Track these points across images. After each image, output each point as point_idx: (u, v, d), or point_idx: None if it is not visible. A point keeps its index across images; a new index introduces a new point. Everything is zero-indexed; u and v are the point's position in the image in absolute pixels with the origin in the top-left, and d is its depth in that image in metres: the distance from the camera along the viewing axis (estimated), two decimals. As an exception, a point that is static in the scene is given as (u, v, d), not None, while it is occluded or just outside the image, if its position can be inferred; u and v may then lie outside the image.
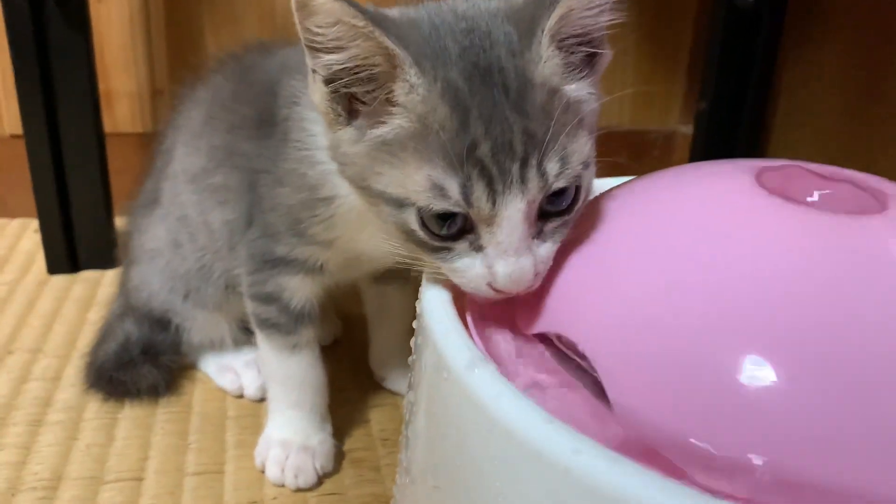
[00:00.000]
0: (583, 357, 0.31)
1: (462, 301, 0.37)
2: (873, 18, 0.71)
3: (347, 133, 0.33)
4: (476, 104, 0.31)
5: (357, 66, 0.31)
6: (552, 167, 0.31)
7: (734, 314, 0.30)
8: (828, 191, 0.36)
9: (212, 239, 0.50)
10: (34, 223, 0.79)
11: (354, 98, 0.33)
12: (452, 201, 0.31)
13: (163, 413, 0.55)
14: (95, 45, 0.73)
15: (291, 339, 0.48)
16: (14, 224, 0.82)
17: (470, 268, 0.33)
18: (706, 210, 0.34)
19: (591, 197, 0.36)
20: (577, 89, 0.33)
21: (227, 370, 0.57)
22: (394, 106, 0.31)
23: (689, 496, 0.24)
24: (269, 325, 0.47)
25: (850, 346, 0.29)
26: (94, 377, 0.56)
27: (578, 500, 0.26)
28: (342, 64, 0.31)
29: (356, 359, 0.61)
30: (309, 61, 0.32)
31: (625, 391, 0.30)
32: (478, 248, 0.33)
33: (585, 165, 0.33)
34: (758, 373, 0.28)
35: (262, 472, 0.49)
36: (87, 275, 0.73)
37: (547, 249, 0.33)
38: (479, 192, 0.31)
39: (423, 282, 0.37)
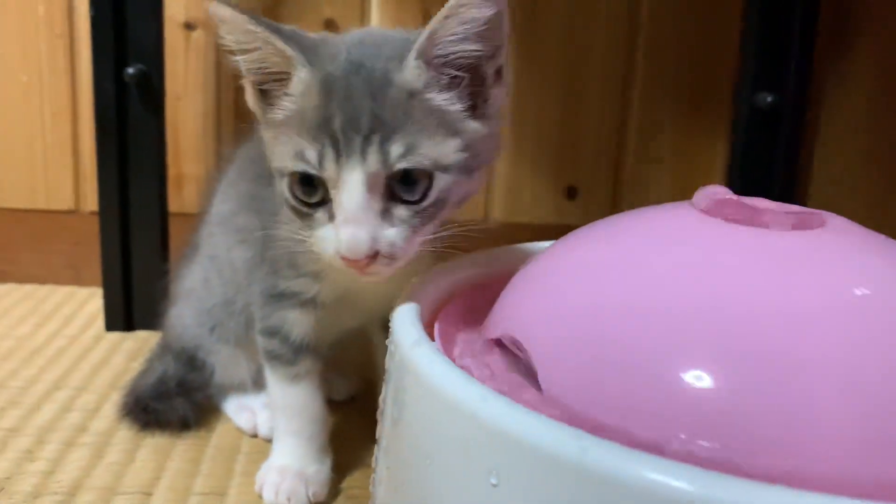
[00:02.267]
0: (518, 346, 0.34)
1: (435, 316, 0.41)
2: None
3: (263, 125, 0.41)
4: (340, 90, 0.38)
5: (261, 65, 0.39)
6: (395, 149, 0.37)
7: (650, 311, 0.32)
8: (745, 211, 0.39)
9: (235, 274, 0.56)
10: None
11: (269, 94, 0.41)
12: (310, 165, 0.38)
13: (182, 443, 0.59)
14: (172, 134, 0.84)
15: (292, 370, 0.51)
16: (84, 291, 0.91)
17: (325, 236, 0.39)
18: (645, 229, 0.38)
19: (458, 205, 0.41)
20: (446, 101, 0.38)
21: (245, 409, 0.61)
22: (288, 96, 0.39)
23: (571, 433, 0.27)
24: (273, 357, 0.52)
25: (757, 335, 0.31)
26: (130, 405, 0.60)
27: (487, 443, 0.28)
28: (252, 63, 0.39)
29: (370, 414, 0.63)
30: (242, 69, 0.40)
31: (554, 381, 0.33)
32: (332, 217, 0.39)
33: (443, 169, 0.38)
34: (667, 361, 0.31)
35: (260, 496, 0.52)
36: (140, 334, 0.80)
37: (394, 234, 0.38)
38: (328, 157, 0.37)
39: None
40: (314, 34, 0.42)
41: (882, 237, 0.37)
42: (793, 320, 0.31)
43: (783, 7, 0.81)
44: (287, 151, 0.39)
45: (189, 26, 0.89)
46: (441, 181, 0.38)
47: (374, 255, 0.38)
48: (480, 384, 0.30)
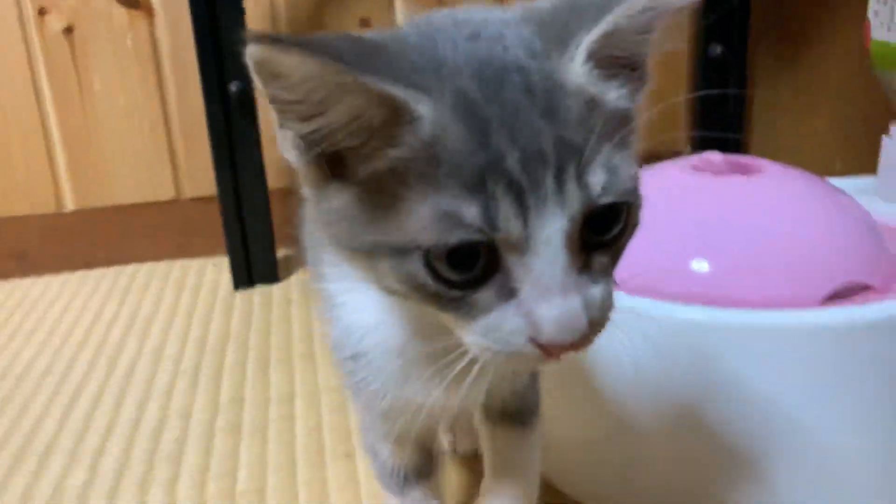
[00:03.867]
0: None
1: None
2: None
3: (333, 184, 0.27)
4: (496, 112, 0.25)
5: (347, 124, 0.26)
6: (596, 179, 0.26)
7: (668, 225, 0.58)
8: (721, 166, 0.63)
9: None
10: (212, 260, 1.12)
11: (342, 152, 0.27)
12: (472, 228, 0.25)
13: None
14: (266, 130, 1.05)
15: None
16: (197, 262, 1.14)
17: (502, 322, 0.27)
18: (662, 181, 0.63)
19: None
20: (621, 99, 0.28)
21: None
22: (394, 147, 0.26)
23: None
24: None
25: (731, 232, 0.56)
26: None
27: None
28: (328, 127, 0.26)
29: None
30: (277, 120, 0.27)
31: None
32: (509, 293, 0.27)
33: (635, 190, 0.28)
34: (683, 245, 0.56)
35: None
36: (260, 288, 1.04)
37: (599, 291, 0.27)
38: (507, 208, 0.25)
39: None
40: (373, 35, 0.28)
41: (800, 172, 0.62)
42: (737, 224, 0.57)
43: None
44: (415, 218, 0.26)
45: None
46: (636, 206, 0.29)
47: (588, 331, 0.27)
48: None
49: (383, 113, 0.25)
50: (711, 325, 0.50)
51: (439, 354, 0.29)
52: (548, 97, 0.26)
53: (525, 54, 0.27)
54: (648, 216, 0.59)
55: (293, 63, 0.24)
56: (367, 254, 0.27)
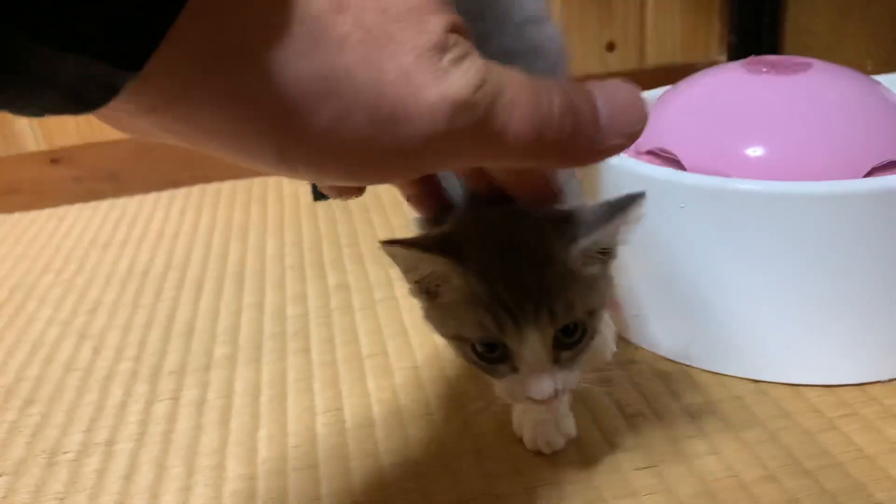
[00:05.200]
0: (668, 153, 0.69)
1: None
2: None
3: (433, 304, 0.44)
4: (502, 272, 0.40)
5: (425, 276, 0.42)
6: (559, 313, 0.40)
7: (722, 115, 0.67)
8: (772, 66, 0.72)
9: None
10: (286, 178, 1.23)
11: (431, 288, 0.43)
12: (491, 333, 0.41)
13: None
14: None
15: None
16: (273, 179, 1.25)
17: (511, 384, 0.43)
18: (719, 81, 0.72)
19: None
20: (591, 270, 0.42)
21: None
22: (451, 289, 0.42)
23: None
24: None
25: (775, 121, 0.66)
26: None
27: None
28: (417, 275, 0.42)
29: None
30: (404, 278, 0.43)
31: (691, 161, 0.68)
32: (514, 369, 0.43)
33: (591, 315, 0.43)
34: (733, 135, 0.66)
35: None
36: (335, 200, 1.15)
37: (565, 376, 0.43)
38: (506, 324, 0.40)
39: None
40: (447, 229, 0.42)
41: (843, 67, 0.71)
42: (786, 114, 0.66)
43: None
44: (465, 324, 0.42)
45: None
46: (589, 324, 0.43)
47: (556, 394, 0.43)
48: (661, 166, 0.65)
49: (441, 269, 0.41)
50: (768, 195, 0.60)
51: None
52: (541, 264, 0.41)
53: (532, 241, 0.41)
54: (708, 111, 0.69)
55: (399, 252, 0.40)
56: (448, 338, 0.45)
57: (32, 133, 1.21)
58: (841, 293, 0.60)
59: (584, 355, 0.45)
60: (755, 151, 0.66)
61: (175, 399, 0.69)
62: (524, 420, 0.58)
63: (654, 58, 1.34)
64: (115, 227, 1.13)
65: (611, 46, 1.32)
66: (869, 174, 0.63)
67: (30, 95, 0.20)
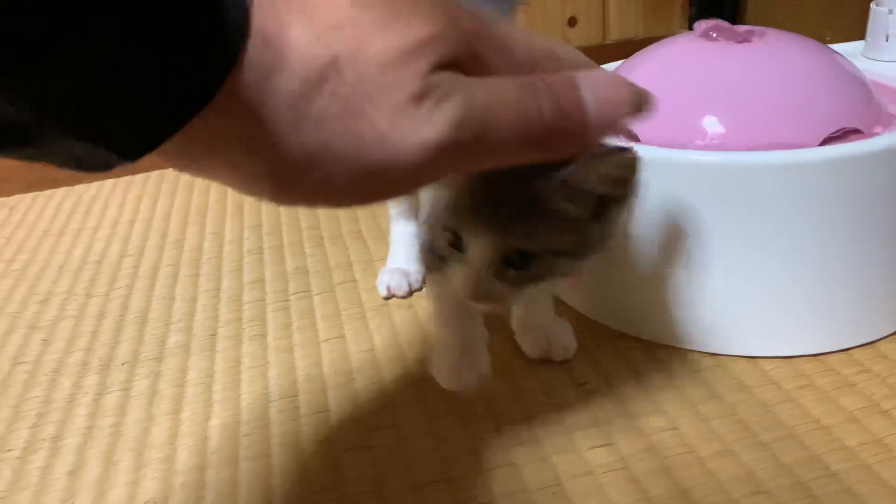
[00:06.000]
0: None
1: None
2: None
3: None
4: (487, 183, 0.41)
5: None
6: (516, 232, 0.41)
7: (677, 86, 0.66)
8: (728, 34, 0.71)
9: None
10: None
11: None
12: (455, 224, 0.42)
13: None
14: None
15: None
16: (233, 161, 1.22)
17: (458, 277, 0.44)
18: (675, 52, 0.71)
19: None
20: (568, 209, 0.41)
21: None
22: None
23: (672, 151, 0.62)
24: None
25: (735, 93, 0.65)
26: None
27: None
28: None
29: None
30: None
31: (647, 134, 0.67)
32: (460, 264, 0.44)
33: (553, 253, 0.42)
34: (688, 106, 0.65)
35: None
36: (298, 181, 1.13)
37: (501, 290, 0.43)
38: (469, 223, 0.42)
39: None
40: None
41: (798, 36, 0.70)
42: (742, 84, 0.65)
43: None
44: (443, 210, 0.44)
45: None
46: (547, 261, 0.43)
47: (483, 298, 0.43)
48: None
49: None
50: (722, 166, 0.59)
51: None
52: (517, 188, 0.41)
53: (519, 172, 0.40)
54: (663, 82, 0.67)
55: None
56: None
57: (-20, 120, 1.17)
58: (798, 263, 0.59)
59: (531, 288, 0.44)
60: (711, 122, 0.65)
61: (126, 390, 0.67)
62: (524, 331, 0.65)
63: (616, 33, 1.33)
64: (70, 216, 1.10)
65: (572, 21, 1.31)
66: (824, 143, 0.63)
67: (43, 157, 0.24)
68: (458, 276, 0.44)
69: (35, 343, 0.77)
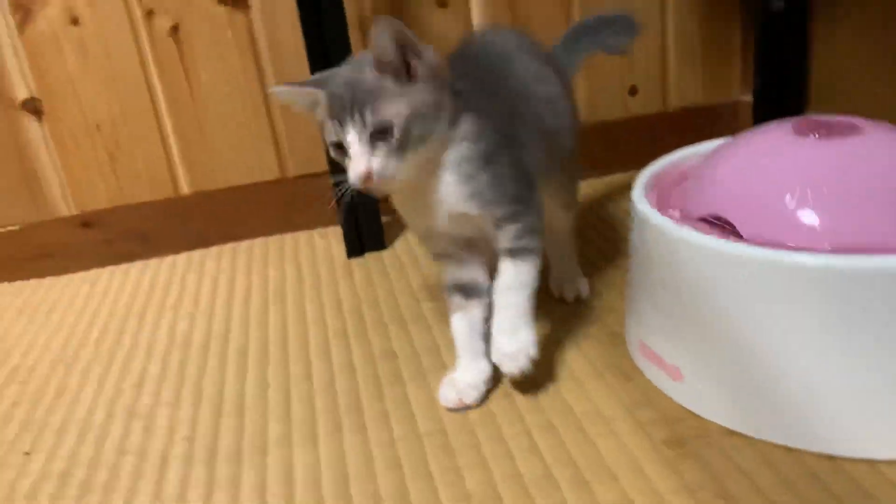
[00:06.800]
0: (723, 221, 0.69)
1: (651, 196, 0.76)
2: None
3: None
4: (337, 95, 0.64)
5: (309, 103, 0.68)
6: (367, 116, 0.62)
7: (777, 182, 0.67)
8: (822, 128, 0.72)
9: None
10: (316, 232, 1.23)
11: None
12: (334, 135, 0.65)
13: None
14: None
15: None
16: (304, 234, 1.25)
17: (349, 171, 0.64)
18: (769, 143, 0.72)
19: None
20: (391, 83, 0.64)
21: None
22: (319, 108, 0.67)
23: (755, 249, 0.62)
24: None
25: (832, 185, 0.66)
26: None
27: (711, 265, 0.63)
28: (303, 101, 0.68)
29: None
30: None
31: (748, 229, 0.67)
32: (350, 158, 0.64)
33: (399, 116, 0.62)
34: (791, 203, 0.66)
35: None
36: (371, 254, 1.15)
37: (377, 160, 0.63)
38: (338, 128, 0.64)
39: (633, 188, 0.76)
40: (330, 70, 0.69)
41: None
42: (842, 181, 0.66)
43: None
44: (327, 133, 0.66)
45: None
46: (398, 123, 0.63)
47: (369, 176, 0.63)
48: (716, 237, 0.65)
49: (314, 95, 0.67)
50: (833, 269, 0.60)
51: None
52: (356, 85, 0.64)
53: (356, 72, 0.66)
54: (760, 176, 0.68)
55: (283, 90, 0.69)
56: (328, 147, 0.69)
57: (63, 198, 1.21)
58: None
59: (402, 151, 0.63)
60: (812, 219, 0.65)
61: (236, 485, 0.68)
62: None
63: (676, 101, 1.34)
64: (150, 292, 1.13)
65: (633, 90, 1.32)
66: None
67: None
68: (350, 168, 0.64)
69: (137, 431, 0.79)
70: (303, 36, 1.03)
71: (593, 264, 1.01)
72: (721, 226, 0.69)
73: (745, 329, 0.63)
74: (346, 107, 0.63)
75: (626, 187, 1.27)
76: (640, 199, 0.74)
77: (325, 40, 1.03)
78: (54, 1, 1.10)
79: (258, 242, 1.25)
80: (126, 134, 1.19)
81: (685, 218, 0.73)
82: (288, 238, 1.25)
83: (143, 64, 1.16)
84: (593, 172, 1.32)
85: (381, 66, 0.64)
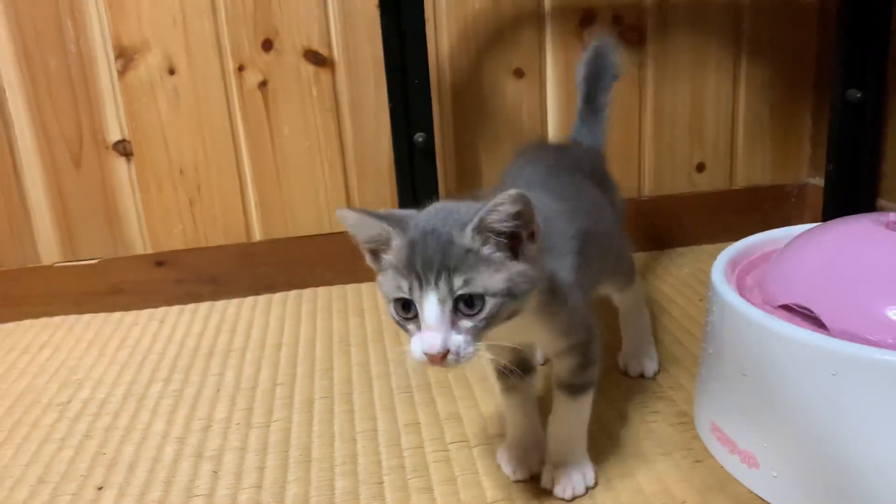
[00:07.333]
0: (805, 309, 0.69)
1: (730, 278, 0.76)
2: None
3: (376, 269, 0.60)
4: (420, 248, 0.54)
5: (374, 239, 0.57)
6: (456, 283, 0.53)
7: (866, 276, 0.67)
8: None
9: None
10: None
11: (378, 253, 0.58)
12: (403, 292, 0.54)
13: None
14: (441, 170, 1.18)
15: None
16: (364, 286, 1.27)
17: (415, 340, 0.55)
18: (853, 235, 0.72)
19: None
20: (492, 252, 0.55)
21: None
22: (389, 253, 0.57)
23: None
24: None
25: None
26: None
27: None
28: (368, 240, 0.58)
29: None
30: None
31: (834, 321, 0.67)
32: (419, 328, 0.54)
33: (493, 294, 0.54)
34: (880, 298, 0.65)
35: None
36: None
37: (459, 339, 0.53)
38: (415, 287, 0.54)
39: (713, 268, 0.76)
40: (405, 210, 0.60)
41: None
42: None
43: (862, 22, 1.13)
44: (389, 285, 0.56)
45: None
46: (490, 301, 0.54)
47: (445, 353, 0.53)
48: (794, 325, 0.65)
49: (384, 234, 0.57)
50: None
51: None
52: (445, 245, 0.55)
53: (448, 227, 0.55)
54: (845, 267, 0.68)
55: (351, 216, 0.58)
56: (385, 300, 0.58)
57: (141, 236, 1.26)
58: None
59: (486, 330, 0.55)
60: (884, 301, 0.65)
61: (303, 538, 0.69)
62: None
63: (743, 179, 1.35)
64: (217, 333, 1.16)
65: (700, 167, 1.34)
66: None
67: None
68: (419, 338, 0.54)
69: (205, 474, 0.80)
70: (388, 99, 1.07)
71: (656, 338, 1.00)
72: (803, 313, 0.69)
73: (828, 422, 0.63)
74: (430, 265, 0.53)
75: (690, 261, 1.28)
76: (720, 282, 0.75)
77: (409, 105, 1.07)
78: (155, 50, 1.17)
79: (322, 291, 1.28)
80: (207, 180, 1.24)
81: (766, 303, 0.73)
82: (350, 289, 1.28)
83: (230, 115, 1.21)
84: (654, 245, 1.33)
85: (485, 230, 0.55)
